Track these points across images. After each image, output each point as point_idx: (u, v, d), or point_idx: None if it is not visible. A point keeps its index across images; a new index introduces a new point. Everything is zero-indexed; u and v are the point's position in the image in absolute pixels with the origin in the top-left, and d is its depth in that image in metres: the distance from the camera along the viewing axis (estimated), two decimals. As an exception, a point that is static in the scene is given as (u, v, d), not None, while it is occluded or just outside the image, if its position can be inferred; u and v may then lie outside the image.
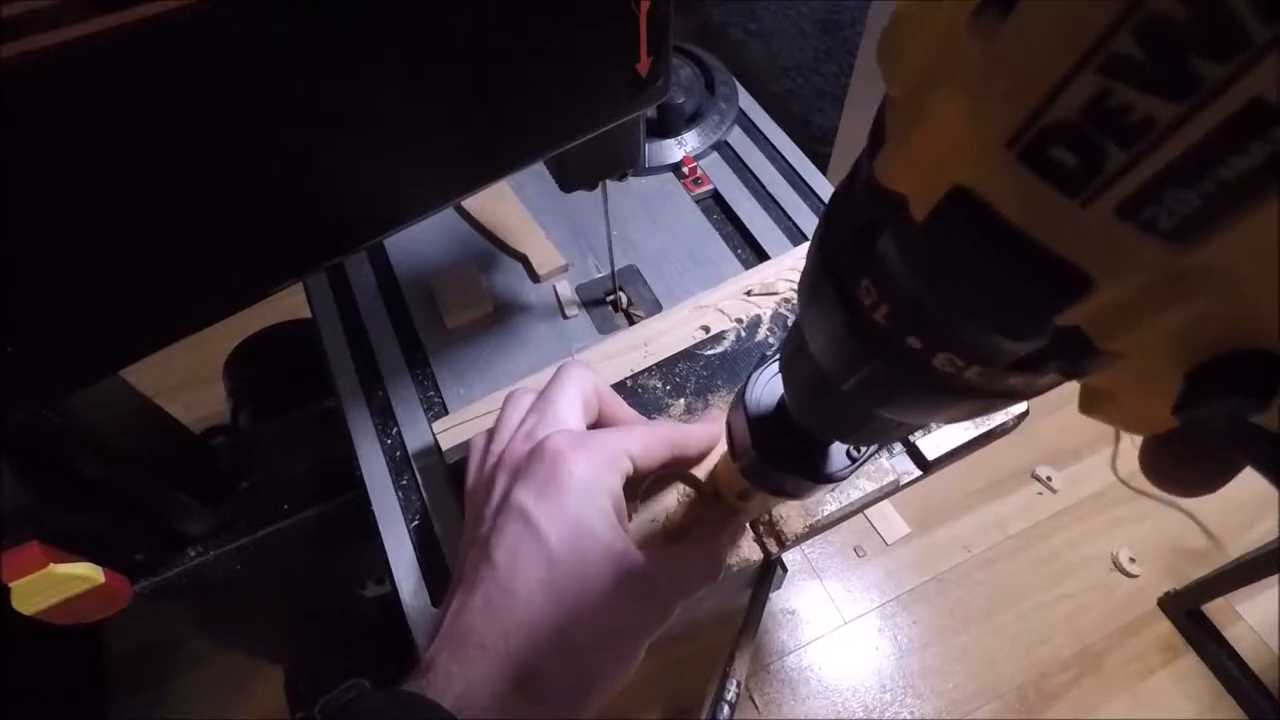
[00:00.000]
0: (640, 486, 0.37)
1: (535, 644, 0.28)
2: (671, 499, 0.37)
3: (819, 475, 0.26)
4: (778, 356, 0.27)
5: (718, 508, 0.36)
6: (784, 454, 0.26)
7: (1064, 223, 0.10)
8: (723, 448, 0.36)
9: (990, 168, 0.11)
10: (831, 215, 0.16)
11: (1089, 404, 0.15)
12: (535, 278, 0.52)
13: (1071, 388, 0.16)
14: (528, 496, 0.30)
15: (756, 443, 0.27)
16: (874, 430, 0.21)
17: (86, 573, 0.38)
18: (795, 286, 0.47)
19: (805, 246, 0.50)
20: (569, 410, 0.34)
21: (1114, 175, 0.10)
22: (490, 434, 0.36)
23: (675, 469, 0.37)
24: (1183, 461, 0.15)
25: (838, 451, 0.27)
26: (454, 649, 0.28)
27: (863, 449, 0.27)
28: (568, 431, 0.32)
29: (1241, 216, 0.09)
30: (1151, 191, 0.09)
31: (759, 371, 0.28)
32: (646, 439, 0.33)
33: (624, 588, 0.29)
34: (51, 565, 0.36)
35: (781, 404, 0.27)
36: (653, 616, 0.29)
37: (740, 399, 0.28)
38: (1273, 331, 0.10)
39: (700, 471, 0.37)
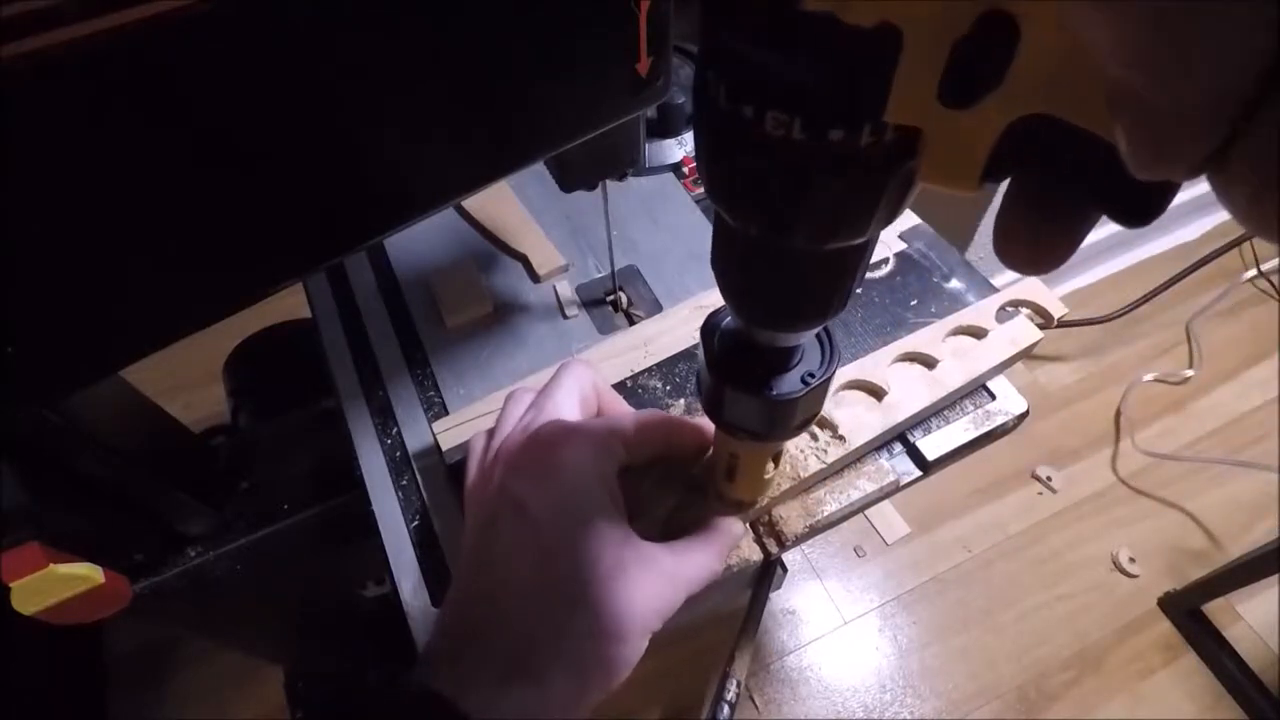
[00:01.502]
0: (641, 485, 0.37)
1: (532, 631, 0.28)
2: (671, 500, 0.37)
3: (773, 394, 0.27)
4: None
5: (719, 508, 0.36)
6: (738, 373, 0.27)
7: None
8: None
9: None
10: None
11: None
12: (535, 278, 0.52)
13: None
14: (521, 485, 0.30)
15: (711, 363, 0.27)
16: (792, 288, 0.21)
17: (86, 573, 0.38)
18: None
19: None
20: (566, 404, 0.34)
21: None
22: (490, 433, 0.36)
23: (676, 469, 0.37)
24: (1029, 232, 0.16)
25: (793, 378, 0.27)
26: (452, 639, 0.29)
27: (817, 372, 0.27)
28: (559, 421, 0.32)
29: None
30: None
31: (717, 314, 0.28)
32: (638, 425, 0.33)
33: (623, 575, 0.29)
34: (51, 565, 0.36)
35: (737, 337, 0.27)
36: (654, 607, 0.29)
37: (702, 333, 0.28)
38: None
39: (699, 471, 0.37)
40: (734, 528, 0.36)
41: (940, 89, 0.14)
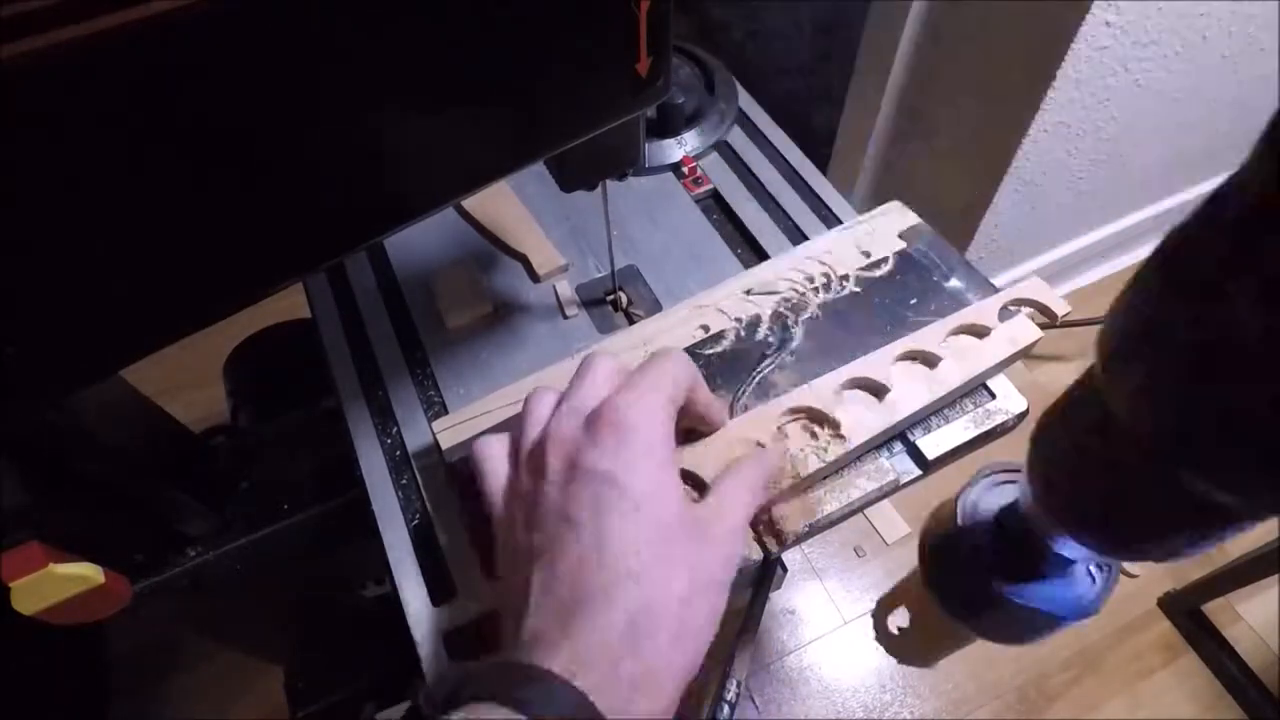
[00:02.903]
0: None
1: (639, 596, 0.27)
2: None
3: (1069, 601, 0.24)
4: (988, 474, 0.26)
5: (737, 449, 0.37)
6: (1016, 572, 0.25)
7: None
8: (725, 434, 0.37)
9: None
10: (1190, 231, 0.16)
11: None
12: (535, 278, 0.52)
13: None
14: (601, 458, 0.30)
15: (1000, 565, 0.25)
16: (1173, 525, 0.18)
17: (87, 573, 0.38)
18: (796, 286, 0.47)
19: (807, 246, 0.50)
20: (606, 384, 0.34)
21: None
22: (509, 439, 0.35)
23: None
24: None
25: (1079, 581, 0.25)
26: (557, 617, 0.27)
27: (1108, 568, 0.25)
28: (617, 398, 0.32)
29: None
30: None
31: (966, 492, 0.26)
32: (677, 382, 0.34)
33: (699, 534, 0.30)
34: (51, 565, 0.36)
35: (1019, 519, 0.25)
36: (726, 558, 0.30)
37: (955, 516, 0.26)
38: None
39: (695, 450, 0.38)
40: (769, 457, 0.37)
41: None
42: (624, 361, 0.36)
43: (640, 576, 0.27)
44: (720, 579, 0.30)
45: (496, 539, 0.33)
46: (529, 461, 0.32)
